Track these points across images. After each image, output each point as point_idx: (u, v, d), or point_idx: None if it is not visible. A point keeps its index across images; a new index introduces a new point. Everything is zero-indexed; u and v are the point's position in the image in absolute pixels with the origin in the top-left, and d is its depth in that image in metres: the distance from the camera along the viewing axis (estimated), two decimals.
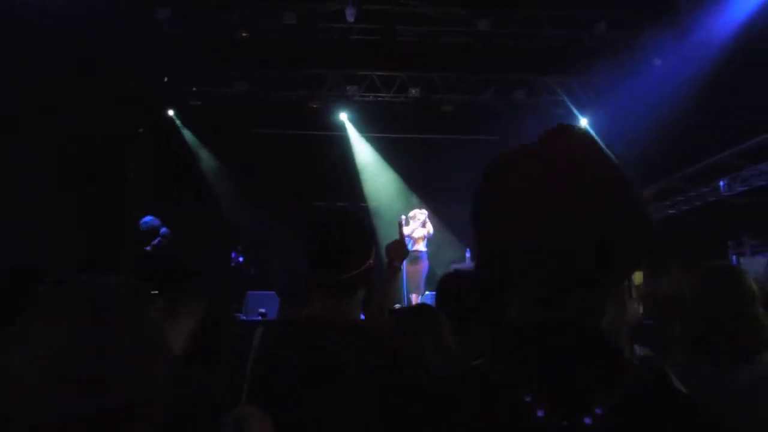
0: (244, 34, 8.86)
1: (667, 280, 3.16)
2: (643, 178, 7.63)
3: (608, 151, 0.81)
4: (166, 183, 9.84)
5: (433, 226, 8.54)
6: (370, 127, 10.75)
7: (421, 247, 8.31)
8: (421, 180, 10.68)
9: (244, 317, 7.12)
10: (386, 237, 2.26)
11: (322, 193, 10.32)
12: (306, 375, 1.39)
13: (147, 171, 9.83)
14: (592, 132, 0.83)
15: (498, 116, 9.94)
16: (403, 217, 8.63)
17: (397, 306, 2.42)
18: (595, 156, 0.80)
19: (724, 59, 7.27)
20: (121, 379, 0.65)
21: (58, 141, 7.51)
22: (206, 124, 10.32)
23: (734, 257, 8.46)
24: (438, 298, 2.54)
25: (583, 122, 10.16)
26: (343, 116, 10.59)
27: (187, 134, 10.58)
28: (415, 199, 10.52)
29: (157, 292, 1.49)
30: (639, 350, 2.06)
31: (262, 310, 6.92)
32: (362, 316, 1.74)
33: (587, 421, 0.71)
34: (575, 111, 9.88)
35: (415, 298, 7.95)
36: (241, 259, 9.18)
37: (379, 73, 9.76)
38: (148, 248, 7.51)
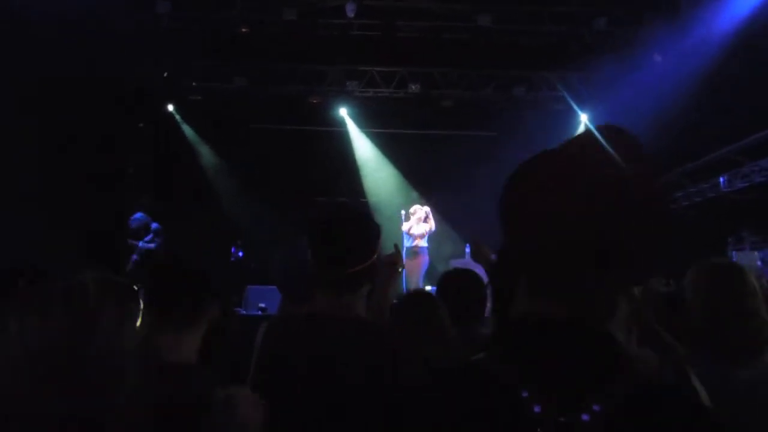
0: (244, 30, 8.84)
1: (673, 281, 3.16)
2: None
3: (630, 152, 0.81)
4: (165, 178, 9.84)
5: (434, 220, 8.55)
6: (369, 122, 10.74)
7: (423, 242, 8.32)
8: (421, 175, 10.68)
9: (244, 312, 7.13)
10: (386, 232, 2.26)
11: (321, 188, 10.33)
12: (309, 373, 1.39)
13: (146, 166, 9.83)
14: (618, 134, 0.82)
15: (498, 112, 9.94)
16: (403, 212, 8.64)
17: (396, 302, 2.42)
18: (605, 159, 0.80)
19: (724, 55, 7.26)
20: (95, 379, 0.64)
21: (57, 136, 7.49)
22: (206, 119, 10.31)
23: (733, 253, 8.47)
24: (439, 294, 2.55)
25: (583, 118, 10.15)
26: (343, 112, 10.58)
27: (187, 129, 10.58)
28: (415, 194, 10.52)
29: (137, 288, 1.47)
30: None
31: (262, 305, 6.92)
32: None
33: (585, 418, 0.71)
34: (575, 107, 9.87)
35: None
36: (240, 253, 9.19)
37: (379, 69, 9.75)
38: (141, 244, 7.54)
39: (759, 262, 7.79)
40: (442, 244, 9.42)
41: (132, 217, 7.60)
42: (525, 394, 0.73)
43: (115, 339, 0.69)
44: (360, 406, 1.32)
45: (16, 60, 6.50)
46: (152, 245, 7.56)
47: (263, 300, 6.95)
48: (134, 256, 7.48)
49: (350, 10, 8.37)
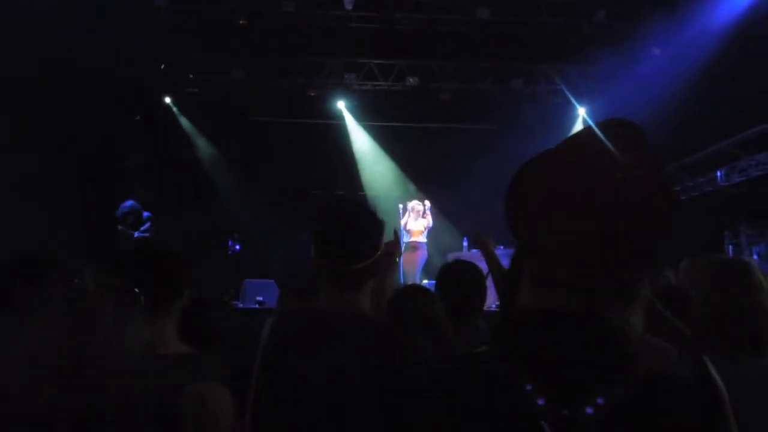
0: (242, 22, 8.80)
1: (674, 272, 3.16)
2: None
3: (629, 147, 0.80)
4: (162, 171, 9.81)
5: (432, 215, 8.53)
6: (367, 115, 10.71)
7: (421, 238, 8.30)
8: (418, 168, 10.67)
9: (241, 305, 7.13)
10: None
11: (319, 181, 10.31)
12: (314, 370, 1.38)
13: (143, 159, 9.80)
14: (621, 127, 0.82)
15: (496, 105, 9.92)
16: (401, 206, 8.63)
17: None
18: (608, 155, 0.79)
19: (722, 49, 7.25)
20: (96, 379, 0.64)
21: (55, 128, 7.46)
22: (203, 111, 10.27)
23: (730, 247, 8.50)
24: (438, 286, 2.54)
25: (581, 111, 10.14)
26: (341, 105, 10.55)
27: (184, 122, 10.54)
28: (412, 188, 10.52)
29: (137, 290, 1.48)
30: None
31: (260, 298, 6.93)
32: None
33: (589, 410, 0.71)
34: (573, 100, 9.86)
35: None
36: (237, 247, 9.18)
37: (377, 61, 9.72)
38: (137, 234, 7.53)
39: (755, 256, 7.81)
40: (439, 237, 9.42)
41: (122, 205, 7.56)
42: (529, 388, 0.72)
43: (115, 338, 0.69)
44: (364, 402, 1.32)
45: (11, 53, 6.47)
46: (148, 234, 7.55)
47: (260, 293, 6.95)
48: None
49: (348, 3, 8.34)
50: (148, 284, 1.52)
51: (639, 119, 0.83)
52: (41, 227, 6.81)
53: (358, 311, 1.48)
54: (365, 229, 1.52)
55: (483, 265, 2.60)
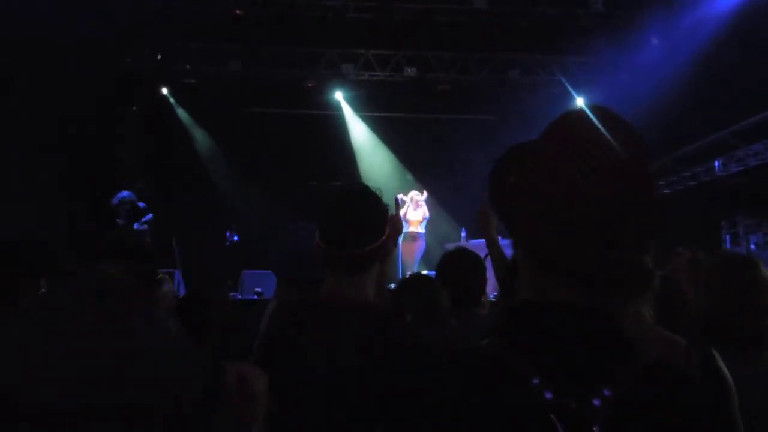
0: (238, 12, 8.75)
1: (676, 265, 3.15)
2: None
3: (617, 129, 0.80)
4: (160, 162, 9.80)
5: (429, 206, 8.54)
6: (365, 106, 10.69)
7: (420, 228, 8.31)
8: (416, 159, 10.67)
9: (240, 296, 7.14)
10: None
11: (317, 172, 10.29)
12: (314, 358, 1.38)
13: (141, 150, 9.77)
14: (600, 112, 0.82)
15: (494, 95, 9.90)
16: (399, 196, 8.63)
17: (393, 286, 2.41)
18: (601, 141, 0.79)
19: (721, 38, 7.24)
20: (142, 370, 0.65)
21: (51, 120, 7.43)
22: (200, 102, 10.24)
23: (728, 237, 8.52)
24: (438, 275, 2.54)
25: (579, 101, 10.12)
26: (339, 95, 10.53)
27: (181, 113, 10.51)
28: (410, 178, 10.51)
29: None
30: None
31: (258, 290, 6.94)
32: None
33: (596, 402, 0.71)
34: (571, 90, 9.84)
35: None
36: (236, 238, 9.18)
37: (374, 52, 9.69)
38: (137, 226, 7.51)
39: (753, 246, 7.84)
40: (437, 228, 9.43)
41: (118, 195, 7.53)
42: (536, 381, 0.73)
43: (157, 330, 0.69)
44: (365, 389, 1.32)
45: (10, 40, 6.43)
46: (146, 227, 7.54)
47: (259, 285, 6.96)
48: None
49: None
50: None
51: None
52: (35, 219, 6.80)
53: (361, 298, 1.48)
54: (370, 213, 1.51)
55: (482, 254, 2.60)
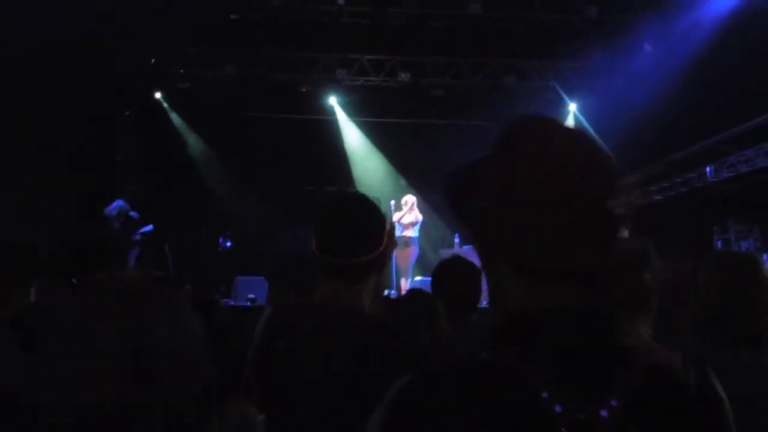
0: (233, 16, 8.75)
1: (675, 266, 3.16)
2: (631, 162, 7.68)
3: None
4: (153, 167, 9.76)
5: (423, 211, 8.52)
6: (359, 111, 10.69)
7: (412, 233, 8.30)
8: (410, 164, 10.66)
9: (233, 302, 7.11)
10: None
11: (311, 177, 10.28)
12: (309, 366, 1.37)
13: (134, 154, 9.73)
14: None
15: (488, 100, 9.92)
16: (393, 202, 8.62)
17: (387, 292, 2.42)
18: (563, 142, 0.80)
19: (713, 44, 7.29)
20: (171, 369, 0.66)
21: (45, 124, 7.40)
22: (194, 107, 10.21)
23: (719, 243, 8.56)
24: (434, 284, 2.54)
25: (572, 107, 10.17)
26: (333, 100, 10.53)
27: (175, 117, 10.47)
28: (403, 183, 10.51)
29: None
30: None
31: (251, 296, 6.90)
32: None
33: (604, 413, 0.71)
34: (565, 96, 9.89)
35: (404, 283, 7.98)
36: (228, 243, 9.15)
37: (369, 57, 9.70)
38: (138, 236, 7.48)
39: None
40: (431, 233, 9.43)
41: (112, 206, 7.49)
42: (545, 395, 0.71)
43: (184, 332, 0.71)
44: (360, 393, 1.31)
45: (3, 41, 6.40)
46: (138, 236, 7.51)
47: (252, 291, 6.94)
48: (132, 252, 7.39)
49: None
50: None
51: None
52: (30, 222, 6.76)
53: (356, 306, 1.47)
54: (368, 223, 1.50)
55: (476, 261, 2.60)
